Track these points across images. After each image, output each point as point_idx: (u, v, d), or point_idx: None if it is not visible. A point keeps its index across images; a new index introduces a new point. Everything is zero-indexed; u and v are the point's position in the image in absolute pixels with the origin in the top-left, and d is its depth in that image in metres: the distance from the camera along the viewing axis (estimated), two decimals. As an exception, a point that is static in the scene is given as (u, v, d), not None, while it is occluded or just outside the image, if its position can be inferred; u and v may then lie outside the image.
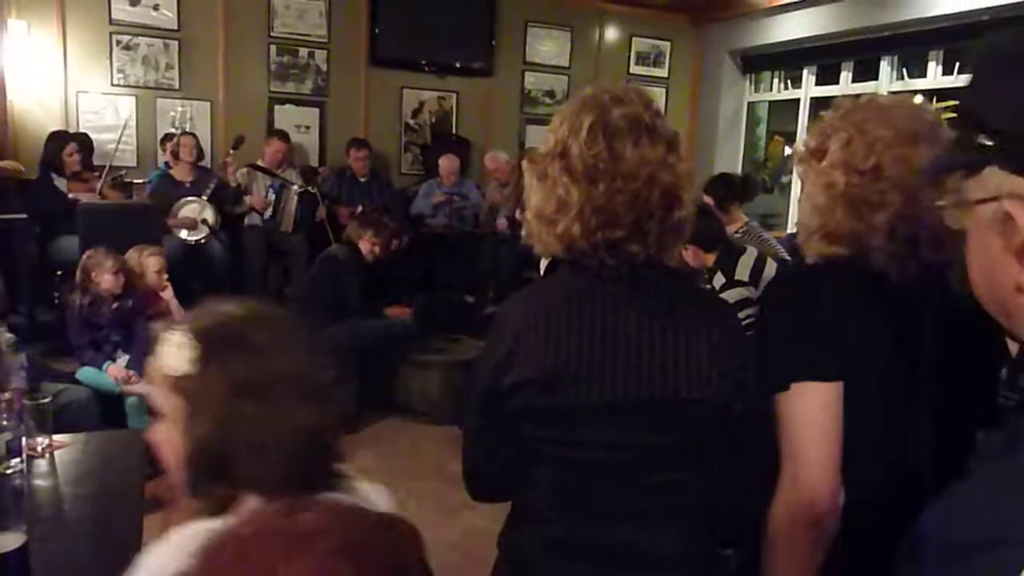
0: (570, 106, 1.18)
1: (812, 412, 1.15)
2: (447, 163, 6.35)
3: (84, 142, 5.42)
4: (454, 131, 7.16)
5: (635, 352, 1.11)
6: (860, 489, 1.16)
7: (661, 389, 1.11)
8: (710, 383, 1.12)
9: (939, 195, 0.63)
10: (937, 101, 6.03)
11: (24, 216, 4.75)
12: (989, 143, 0.57)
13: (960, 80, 5.66)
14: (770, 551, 1.18)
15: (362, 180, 6.18)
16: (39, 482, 2.03)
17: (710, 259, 2.93)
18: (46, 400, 2.23)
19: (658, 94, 7.87)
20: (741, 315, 2.78)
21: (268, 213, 5.73)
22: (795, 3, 6.60)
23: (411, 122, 7.04)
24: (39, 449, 2.15)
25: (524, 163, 1.21)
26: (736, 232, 3.66)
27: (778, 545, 1.17)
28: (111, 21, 5.91)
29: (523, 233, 1.20)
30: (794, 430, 1.16)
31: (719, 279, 2.84)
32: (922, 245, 1.14)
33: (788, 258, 3.40)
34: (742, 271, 2.82)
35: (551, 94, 7.48)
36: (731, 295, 2.78)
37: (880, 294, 1.17)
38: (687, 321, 1.14)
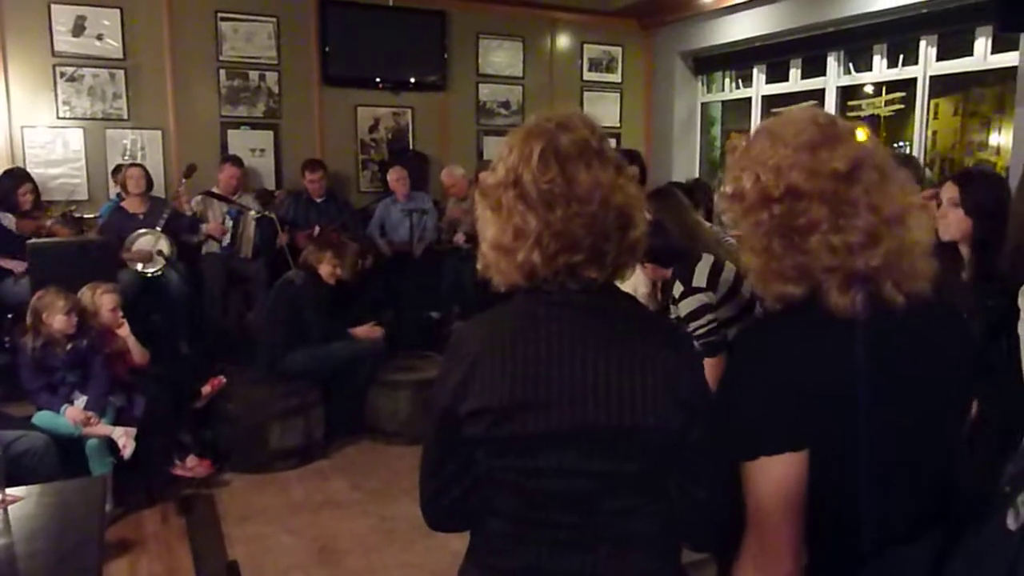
0: (516, 135, 1.17)
1: (776, 483, 1.14)
2: (394, 175, 6.29)
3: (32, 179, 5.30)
4: (411, 146, 7.13)
5: (591, 380, 1.10)
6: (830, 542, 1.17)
7: (617, 417, 1.10)
8: (666, 410, 1.11)
9: None
10: (885, 93, 6.17)
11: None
12: None
13: (905, 72, 5.78)
14: None
15: (319, 201, 6.12)
16: (-7, 540, 1.96)
17: (667, 272, 2.94)
18: (-3, 454, 2.16)
19: (612, 99, 7.94)
20: (702, 321, 2.81)
21: (226, 240, 5.64)
22: (742, 3, 6.69)
23: (367, 139, 6.99)
24: (-8, 505, 2.08)
25: (476, 195, 1.20)
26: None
27: None
28: (54, 53, 5.79)
29: (479, 266, 1.18)
30: (760, 500, 1.15)
31: (678, 288, 2.85)
32: (856, 252, 1.13)
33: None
34: (699, 278, 2.83)
35: (506, 105, 7.49)
36: (690, 303, 2.79)
37: (838, 336, 1.16)
38: (643, 347, 1.13)
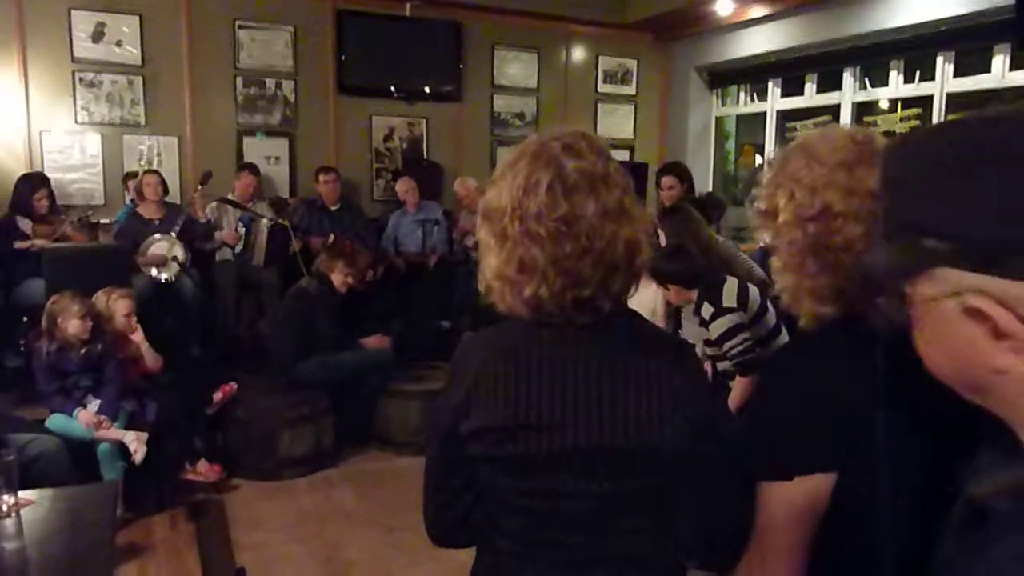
0: (522, 158, 1.13)
1: (795, 504, 1.11)
2: (404, 186, 6.32)
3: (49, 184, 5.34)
4: (425, 156, 7.16)
5: (595, 399, 1.10)
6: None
7: (623, 436, 1.09)
8: (672, 428, 1.10)
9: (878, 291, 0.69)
10: (901, 109, 6.15)
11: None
12: (939, 246, 0.62)
13: (921, 88, 5.76)
14: None
15: (333, 209, 6.14)
16: (5, 544, 1.96)
17: (692, 295, 2.95)
18: (10, 457, 2.16)
19: (626, 112, 7.95)
20: (736, 340, 2.81)
21: (239, 247, 5.67)
22: (759, 18, 6.70)
23: (382, 149, 7.02)
24: (5, 508, 2.08)
25: (479, 216, 1.17)
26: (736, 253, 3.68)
27: None
28: (73, 59, 5.85)
29: (481, 288, 1.17)
30: (774, 519, 1.13)
31: (707, 309, 2.85)
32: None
33: (764, 276, 3.41)
34: (728, 298, 2.84)
35: (520, 116, 7.51)
36: (722, 323, 2.79)
37: (871, 357, 1.14)
38: (648, 365, 1.12)
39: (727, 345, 2.79)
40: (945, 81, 5.58)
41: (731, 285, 2.88)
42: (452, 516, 1.22)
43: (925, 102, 5.77)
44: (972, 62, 5.48)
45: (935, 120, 5.64)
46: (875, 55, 6.03)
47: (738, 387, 2.83)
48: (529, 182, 1.10)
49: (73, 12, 5.80)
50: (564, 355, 1.11)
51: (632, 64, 7.94)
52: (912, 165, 0.68)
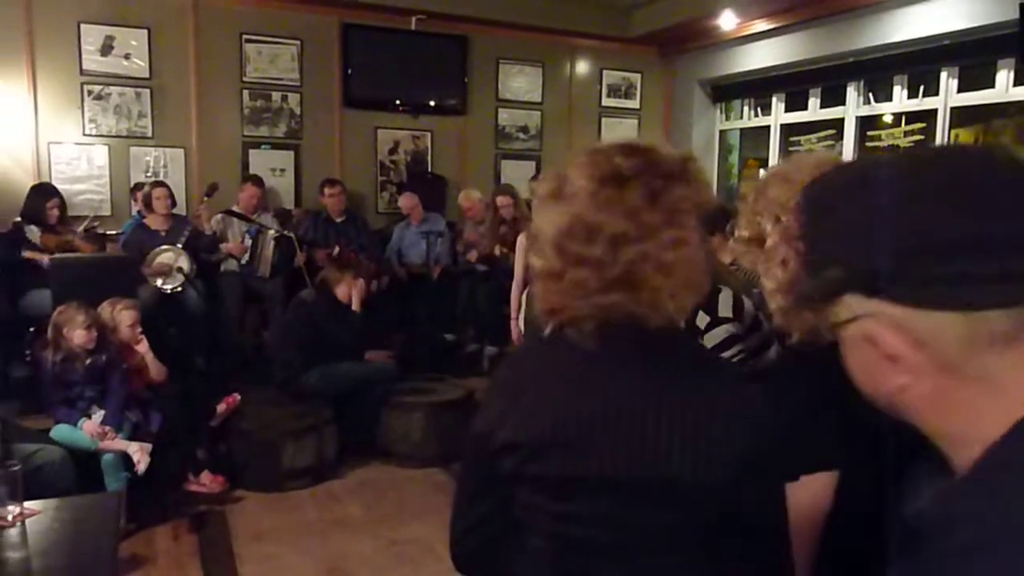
0: (583, 168, 1.05)
1: (800, 504, 1.13)
2: (406, 201, 6.36)
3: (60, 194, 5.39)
4: (429, 169, 7.19)
5: (638, 425, 1.02)
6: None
7: (665, 466, 1.01)
8: (719, 463, 1.01)
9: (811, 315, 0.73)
10: (905, 123, 6.16)
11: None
12: (838, 275, 0.66)
13: (925, 103, 5.78)
14: None
15: (338, 221, 6.17)
16: (9, 554, 1.97)
17: None
18: (16, 467, 2.17)
19: (630, 126, 7.97)
20: (731, 352, 2.80)
21: (245, 259, 5.69)
22: (762, 32, 6.73)
23: (387, 161, 7.06)
24: (9, 519, 2.09)
25: (532, 230, 1.12)
26: (732, 266, 3.67)
27: None
28: (82, 72, 5.90)
29: (532, 291, 1.12)
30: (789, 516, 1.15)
31: (703, 318, 2.85)
32: None
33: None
34: (724, 308, 2.83)
35: (524, 129, 7.54)
36: (718, 333, 2.78)
37: None
38: (697, 394, 1.04)
39: (722, 356, 2.78)
40: (949, 96, 5.59)
41: (725, 295, 2.87)
42: (478, 541, 1.18)
43: (929, 116, 5.79)
44: (976, 76, 5.49)
45: (939, 135, 5.65)
46: (879, 69, 6.04)
47: None
48: (592, 197, 1.03)
49: (82, 25, 5.86)
50: (609, 376, 1.05)
51: (636, 78, 7.97)
52: (817, 199, 0.72)
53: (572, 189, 1.05)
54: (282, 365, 4.55)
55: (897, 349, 0.64)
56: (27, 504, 2.18)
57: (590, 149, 1.08)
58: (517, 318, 4.51)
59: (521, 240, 4.47)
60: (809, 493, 1.14)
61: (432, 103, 7.07)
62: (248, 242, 5.71)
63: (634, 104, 8.00)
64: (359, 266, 4.86)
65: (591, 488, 1.04)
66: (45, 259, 4.74)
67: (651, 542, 1.05)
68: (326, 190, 6.16)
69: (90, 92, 5.96)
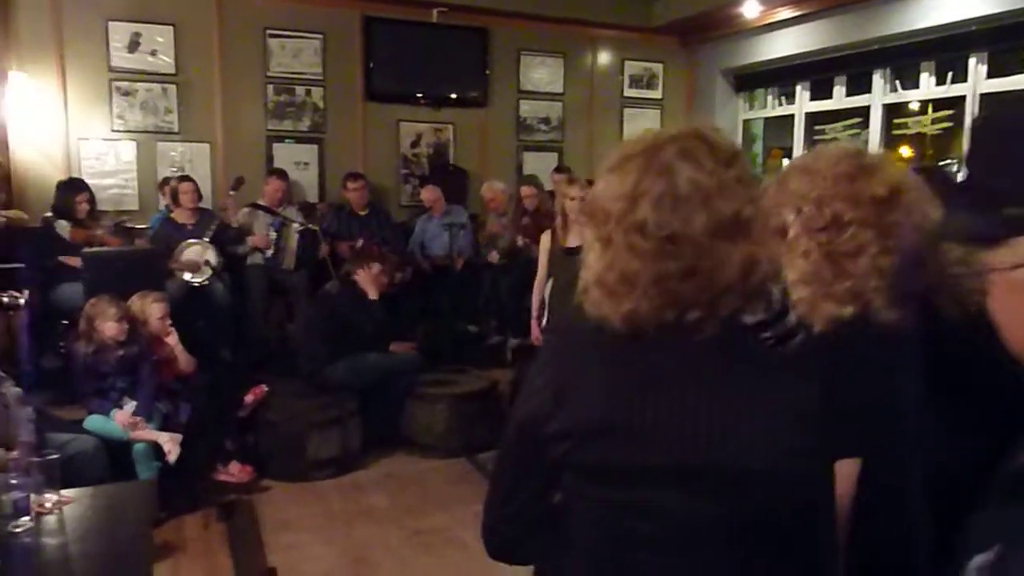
0: (631, 157, 1.03)
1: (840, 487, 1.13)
2: (428, 194, 6.38)
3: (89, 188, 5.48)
4: (451, 162, 7.21)
5: (690, 413, 1.00)
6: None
7: (720, 454, 0.98)
8: (777, 453, 0.99)
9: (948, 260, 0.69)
10: (933, 111, 6.08)
11: (25, 266, 4.80)
12: (1020, 214, 0.61)
13: (954, 89, 5.69)
14: None
15: (362, 214, 6.21)
16: (47, 540, 2.02)
17: None
18: (54, 456, 2.22)
19: (652, 116, 7.94)
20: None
21: (270, 252, 5.76)
22: (786, 20, 6.67)
23: (409, 154, 7.09)
24: (48, 506, 2.14)
25: (585, 213, 1.10)
26: None
27: None
28: (110, 68, 5.99)
29: (579, 288, 1.08)
30: None
31: None
32: (904, 272, 1.17)
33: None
34: None
35: (546, 121, 7.54)
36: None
37: (888, 350, 1.18)
38: (747, 380, 1.02)
39: None
40: (978, 82, 5.51)
41: None
42: (518, 528, 1.15)
43: (958, 103, 5.70)
44: (1006, 62, 5.40)
45: (968, 121, 5.57)
46: (905, 56, 5.96)
47: None
48: (637, 190, 1.00)
49: (110, 23, 5.95)
50: (664, 363, 1.02)
51: (658, 68, 7.93)
52: (995, 138, 0.69)
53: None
54: (308, 357, 4.60)
55: None
56: (64, 492, 2.24)
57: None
58: (540, 316, 4.39)
59: (545, 237, 4.40)
60: (839, 477, 1.15)
61: (453, 95, 7.09)
62: (273, 235, 5.77)
63: (656, 95, 7.96)
64: (382, 259, 4.89)
65: (641, 476, 1.02)
66: (77, 262, 4.82)
67: (699, 532, 1.03)
68: (349, 184, 6.20)
69: (118, 88, 6.05)
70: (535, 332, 4.46)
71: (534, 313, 4.44)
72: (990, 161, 0.69)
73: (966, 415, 1.22)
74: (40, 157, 5.83)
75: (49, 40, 5.78)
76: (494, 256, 6.11)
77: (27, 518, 1.99)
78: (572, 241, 4.11)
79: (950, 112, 5.89)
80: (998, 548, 0.67)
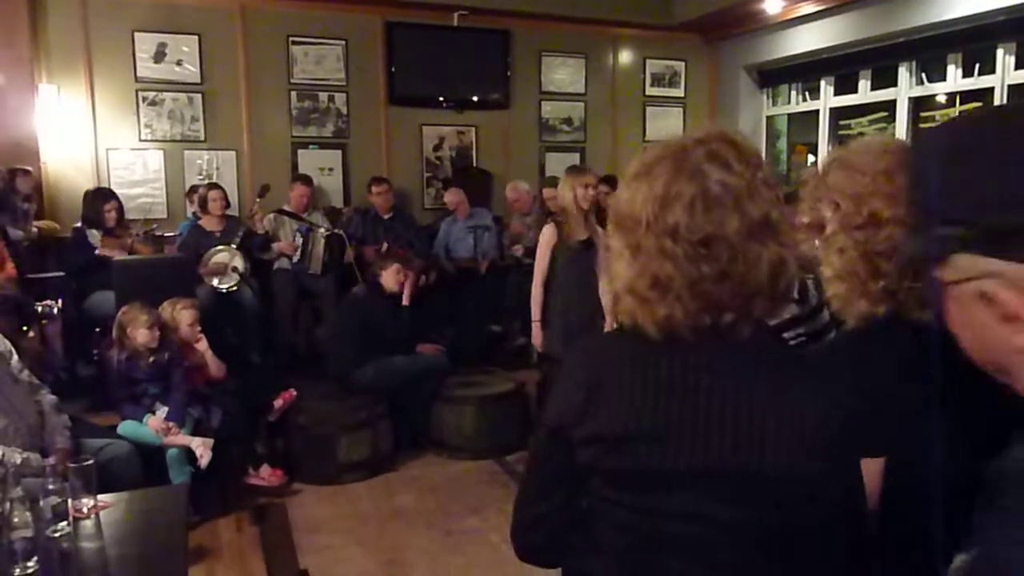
0: (659, 161, 1.03)
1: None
2: (452, 197, 6.42)
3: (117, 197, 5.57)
4: (475, 164, 7.23)
5: (720, 417, 1.00)
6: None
7: (746, 459, 0.99)
8: (804, 457, 0.99)
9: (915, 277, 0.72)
10: (960, 103, 5.99)
11: (62, 274, 4.89)
12: (954, 233, 0.64)
13: (981, 81, 5.60)
14: None
15: (386, 218, 6.25)
16: (85, 544, 2.06)
17: None
18: (90, 461, 2.26)
19: (675, 114, 7.90)
20: (790, 334, 2.76)
21: (296, 257, 5.81)
22: (809, 15, 6.61)
23: (432, 157, 7.12)
24: (85, 511, 2.18)
25: (610, 222, 1.09)
26: None
27: None
28: (137, 79, 6.09)
29: (609, 298, 1.16)
30: None
31: None
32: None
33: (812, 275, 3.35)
34: None
35: (568, 121, 7.53)
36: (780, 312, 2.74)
37: (921, 349, 1.17)
38: (778, 384, 1.02)
39: (783, 336, 2.74)
40: (1006, 73, 5.42)
41: None
42: (546, 531, 1.16)
43: (985, 95, 5.61)
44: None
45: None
46: (932, 48, 5.88)
47: None
48: (668, 194, 1.00)
49: (136, 34, 6.04)
50: (693, 368, 1.03)
51: (680, 66, 7.89)
52: (928, 156, 0.71)
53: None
54: (336, 360, 4.64)
55: (1017, 308, 0.63)
56: (100, 497, 2.28)
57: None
58: (540, 320, 4.17)
59: (548, 230, 4.18)
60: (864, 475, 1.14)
61: (476, 98, 7.11)
62: (299, 241, 5.83)
63: (679, 92, 7.93)
64: (407, 262, 4.92)
65: (672, 481, 1.02)
66: (116, 254, 4.91)
67: (729, 536, 1.02)
68: (373, 188, 6.25)
69: (145, 98, 6.14)
70: (536, 337, 4.21)
71: (534, 317, 4.20)
72: (922, 180, 0.70)
73: (971, 417, 1.20)
74: (70, 168, 5.94)
75: (78, 53, 5.89)
76: (518, 249, 6.10)
77: (65, 523, 2.03)
78: (583, 234, 4.07)
79: (978, 104, 5.80)
80: (974, 551, 0.70)
